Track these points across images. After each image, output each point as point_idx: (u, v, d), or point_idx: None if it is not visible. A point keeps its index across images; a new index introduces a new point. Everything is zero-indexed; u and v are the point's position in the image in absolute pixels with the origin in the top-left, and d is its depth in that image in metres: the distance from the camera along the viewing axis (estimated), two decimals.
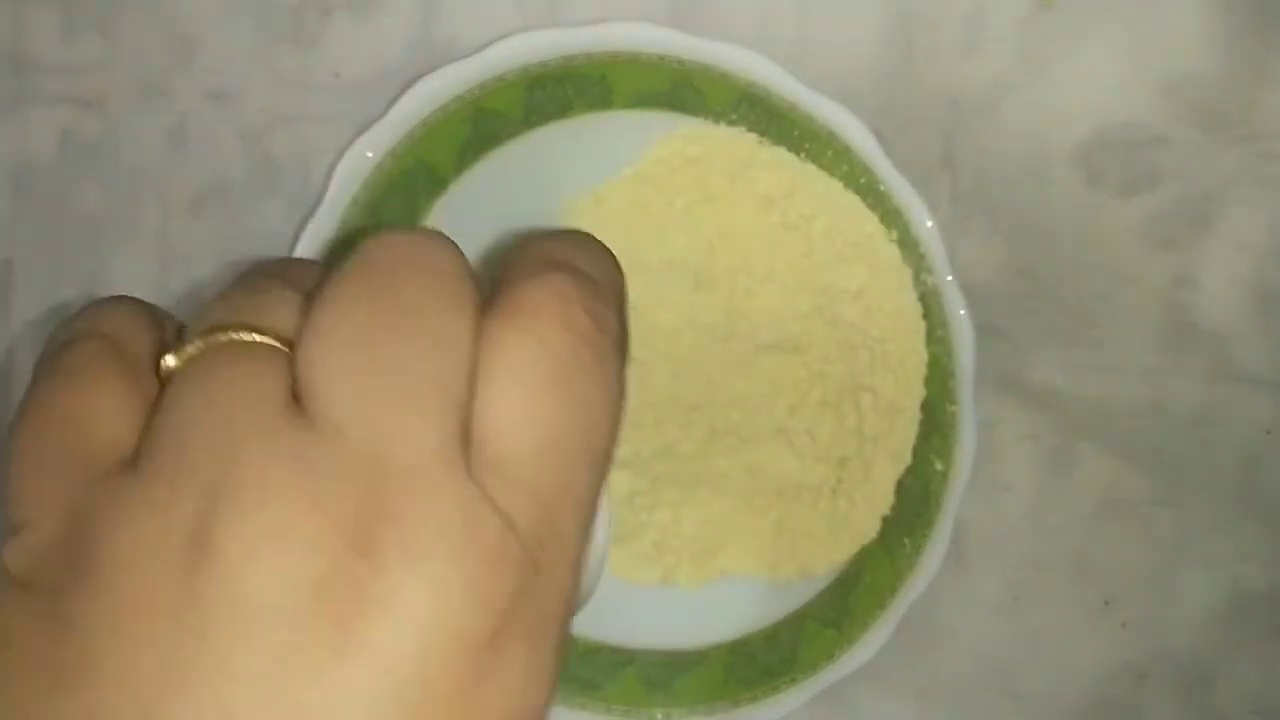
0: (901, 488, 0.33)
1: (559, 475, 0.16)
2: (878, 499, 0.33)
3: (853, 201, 0.33)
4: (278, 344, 0.16)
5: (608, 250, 0.18)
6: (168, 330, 0.18)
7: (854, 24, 0.37)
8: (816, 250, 0.34)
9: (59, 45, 0.44)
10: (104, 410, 0.16)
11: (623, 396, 0.17)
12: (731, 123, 0.34)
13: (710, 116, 0.34)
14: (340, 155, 0.33)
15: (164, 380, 0.16)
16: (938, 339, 0.31)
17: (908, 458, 0.33)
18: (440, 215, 0.35)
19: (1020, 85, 0.36)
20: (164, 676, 0.13)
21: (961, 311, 0.30)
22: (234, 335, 0.16)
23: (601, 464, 0.17)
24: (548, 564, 0.15)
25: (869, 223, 0.33)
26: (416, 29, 0.40)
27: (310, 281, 0.17)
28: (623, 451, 0.33)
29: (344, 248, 0.34)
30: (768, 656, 0.34)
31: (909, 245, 0.31)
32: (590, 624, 0.36)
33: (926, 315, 0.32)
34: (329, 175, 0.33)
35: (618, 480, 0.34)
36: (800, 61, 0.36)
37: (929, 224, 0.30)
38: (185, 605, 0.13)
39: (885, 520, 0.33)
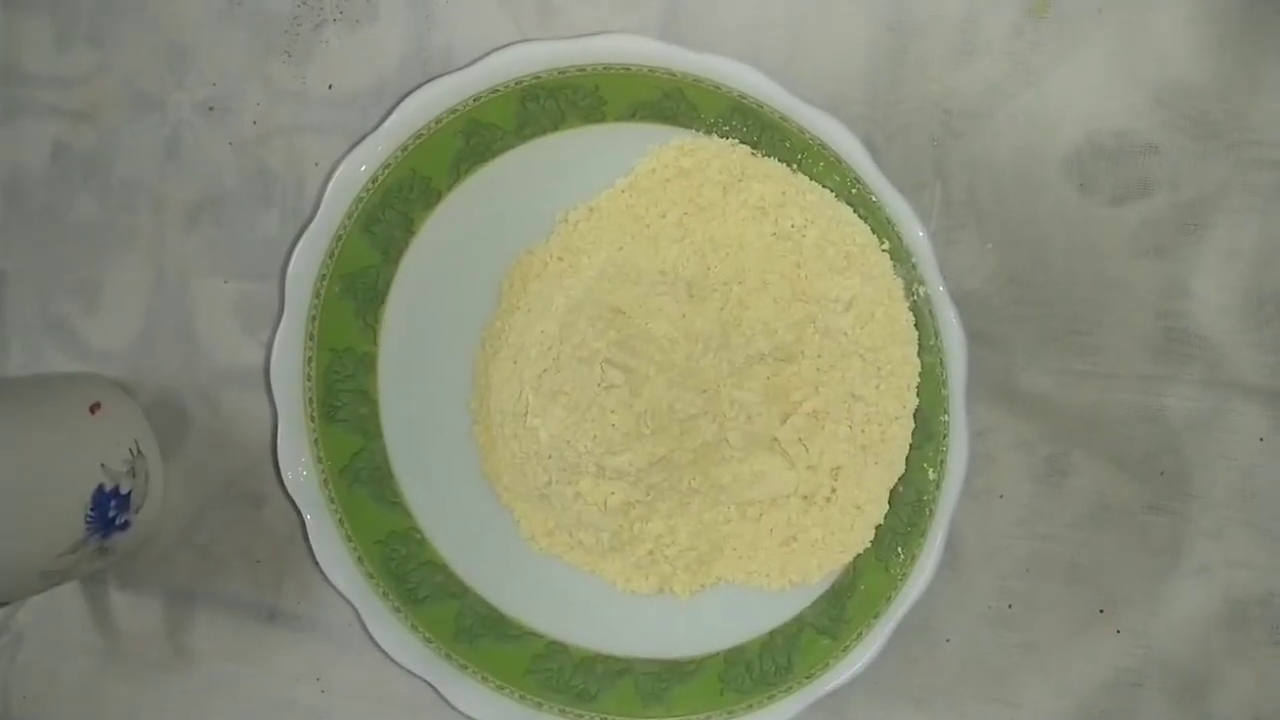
0: (895, 496, 0.33)
1: None
2: (871, 508, 0.33)
3: (844, 212, 0.33)
4: None
5: None
6: None
7: (845, 35, 0.37)
8: (809, 260, 0.34)
9: (51, 57, 0.45)
10: None
11: None
12: (724, 134, 0.34)
13: (703, 128, 0.34)
14: (334, 167, 0.33)
15: None
16: (930, 348, 0.31)
17: (901, 466, 0.33)
18: (434, 227, 0.35)
19: (1011, 94, 0.36)
20: None
21: (953, 320, 0.30)
22: None
23: None
24: None
25: (861, 233, 0.33)
26: (410, 41, 0.40)
27: None
28: (618, 462, 0.33)
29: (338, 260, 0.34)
30: (763, 665, 0.34)
31: (901, 255, 0.31)
32: (586, 634, 0.36)
33: (918, 324, 0.32)
34: (323, 186, 0.33)
35: (613, 491, 0.34)
36: (791, 73, 0.36)
37: (920, 233, 0.30)
38: None
39: (879, 529, 0.33)
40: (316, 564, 0.33)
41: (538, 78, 0.33)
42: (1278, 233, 0.34)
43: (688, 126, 0.34)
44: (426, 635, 0.34)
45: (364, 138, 0.33)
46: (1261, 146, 0.34)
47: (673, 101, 0.33)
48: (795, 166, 0.34)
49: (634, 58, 0.32)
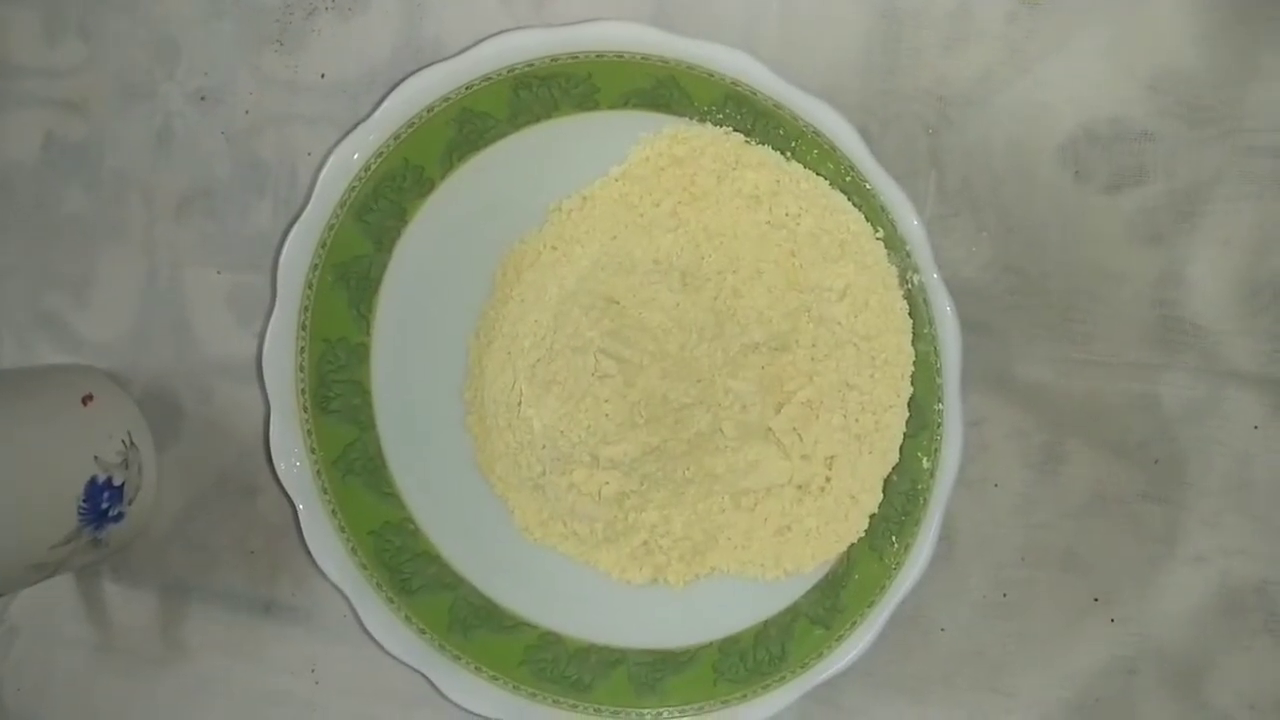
0: (889, 485, 0.33)
1: None
2: (866, 497, 0.33)
3: (839, 200, 0.33)
4: None
5: None
6: None
7: (839, 22, 0.37)
8: (803, 249, 0.34)
9: (41, 48, 0.44)
10: None
11: None
12: (717, 122, 0.34)
13: (696, 116, 0.34)
14: (326, 156, 0.33)
15: None
16: (924, 337, 0.31)
17: (895, 455, 0.33)
18: (426, 216, 0.35)
19: (1006, 82, 0.36)
20: None
21: (948, 309, 0.30)
22: None
23: None
24: None
25: (855, 221, 0.33)
26: (402, 30, 0.40)
27: None
28: (612, 452, 0.33)
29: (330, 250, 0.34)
30: (757, 655, 0.34)
31: (895, 243, 0.31)
32: (580, 625, 0.36)
33: (913, 313, 0.32)
34: (315, 176, 0.33)
35: (608, 481, 0.34)
36: (785, 60, 0.36)
37: (915, 221, 0.30)
38: None
39: (873, 518, 0.33)
40: (310, 555, 0.33)
41: (530, 65, 0.33)
42: (1273, 220, 0.34)
43: (681, 114, 0.34)
44: (420, 626, 0.34)
45: (356, 126, 0.33)
46: (1257, 133, 0.34)
47: (666, 89, 0.33)
48: (789, 154, 0.34)
49: (627, 45, 0.32)
